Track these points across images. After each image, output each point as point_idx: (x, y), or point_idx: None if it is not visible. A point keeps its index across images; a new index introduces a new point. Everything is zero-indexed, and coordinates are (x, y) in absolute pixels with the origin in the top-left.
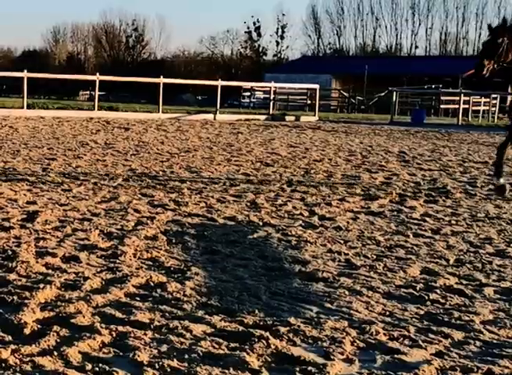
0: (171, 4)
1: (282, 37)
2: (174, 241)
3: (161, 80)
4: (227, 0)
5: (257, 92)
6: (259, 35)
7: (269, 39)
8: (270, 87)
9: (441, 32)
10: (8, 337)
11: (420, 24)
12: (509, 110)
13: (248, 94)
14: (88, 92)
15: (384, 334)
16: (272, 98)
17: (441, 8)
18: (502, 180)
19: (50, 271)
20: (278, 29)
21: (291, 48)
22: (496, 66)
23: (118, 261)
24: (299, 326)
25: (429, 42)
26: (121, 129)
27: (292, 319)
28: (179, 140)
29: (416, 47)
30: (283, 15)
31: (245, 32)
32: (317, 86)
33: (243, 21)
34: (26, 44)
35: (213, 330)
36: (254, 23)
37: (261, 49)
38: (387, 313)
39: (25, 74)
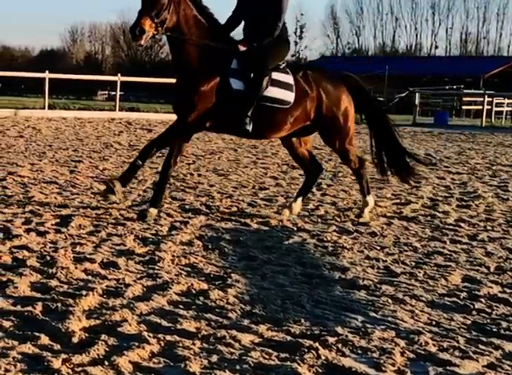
0: None
1: (300, 38)
2: (210, 246)
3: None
4: None
5: None
6: None
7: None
8: None
9: (461, 32)
10: (57, 346)
11: (440, 24)
12: None
13: None
14: (106, 92)
15: (433, 345)
16: None
17: (461, 8)
18: None
19: (90, 277)
20: (296, 29)
21: (309, 49)
22: (158, 30)
23: (156, 267)
24: (346, 336)
25: (449, 42)
26: (143, 130)
27: (339, 329)
28: (202, 141)
29: (436, 47)
30: (302, 15)
31: None
32: None
33: None
34: (44, 43)
35: (261, 339)
36: None
37: None
38: (433, 323)
39: (46, 75)
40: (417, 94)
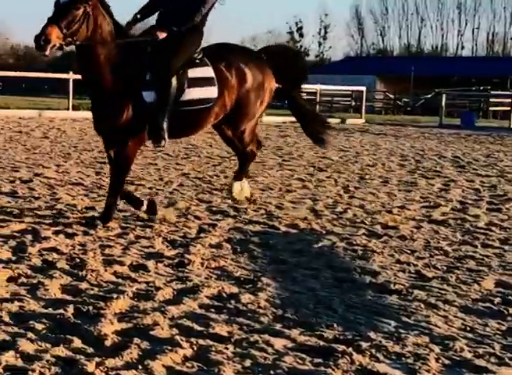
0: None
1: (324, 38)
2: (239, 249)
3: None
4: (269, 0)
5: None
6: (301, 36)
7: (311, 40)
8: (316, 89)
9: (488, 32)
10: (90, 349)
11: (466, 24)
12: None
13: None
14: None
15: (468, 351)
16: (318, 100)
17: (488, 8)
18: None
19: (120, 280)
20: (320, 29)
21: (334, 49)
22: (66, 41)
23: (186, 270)
24: (380, 341)
25: (476, 43)
26: None
27: (372, 334)
28: None
29: (462, 47)
30: (326, 15)
31: (287, 32)
32: (363, 88)
33: (285, 22)
34: None
35: (294, 344)
36: (297, 24)
37: (303, 50)
38: (468, 329)
39: (70, 76)
40: (443, 96)
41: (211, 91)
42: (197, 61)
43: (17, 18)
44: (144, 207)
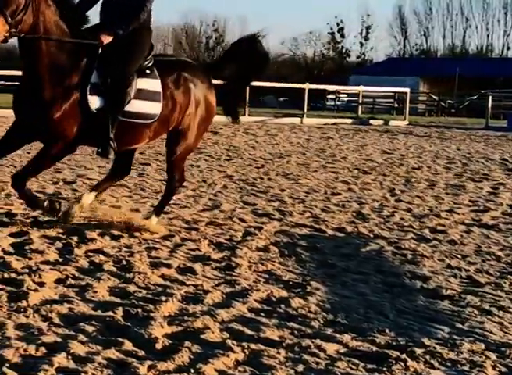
0: (252, 5)
1: (366, 39)
2: (286, 252)
3: None
4: (310, 1)
5: (341, 95)
6: (342, 36)
7: (353, 40)
8: (358, 91)
9: None
10: (141, 352)
11: None
12: None
13: (333, 96)
14: None
15: None
16: (360, 101)
17: None
18: None
19: (168, 283)
20: (362, 30)
21: (376, 50)
22: (11, 33)
23: (234, 273)
24: (434, 347)
25: None
26: (209, 132)
27: (426, 340)
28: (269, 144)
29: (508, 48)
30: (368, 15)
31: (328, 33)
32: (407, 89)
33: (326, 22)
34: None
35: (346, 349)
36: (338, 24)
37: (344, 51)
38: None
39: None
40: (489, 97)
41: (155, 107)
42: (147, 71)
43: None
44: (46, 208)
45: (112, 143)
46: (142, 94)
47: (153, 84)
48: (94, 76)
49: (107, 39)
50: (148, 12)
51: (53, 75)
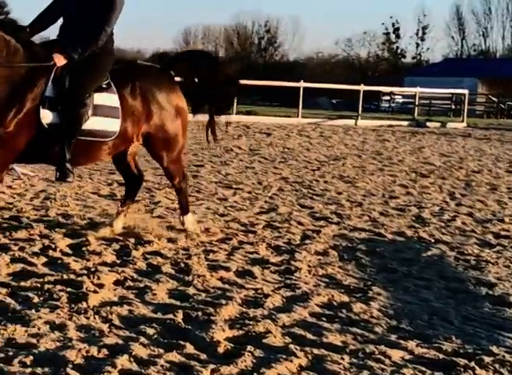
0: (305, 5)
1: (422, 39)
2: (346, 257)
3: (301, 84)
4: (364, 1)
5: (396, 96)
6: (398, 37)
7: (408, 41)
8: (415, 92)
9: None
10: (204, 356)
11: None
12: None
13: (387, 98)
14: None
15: None
16: (417, 103)
17: None
18: None
19: (227, 286)
20: (418, 30)
21: (432, 50)
22: None
23: (293, 277)
24: (503, 356)
25: None
26: (262, 134)
27: (494, 348)
28: (324, 147)
29: None
30: (424, 15)
31: (383, 33)
32: (466, 91)
33: (381, 22)
34: (156, 46)
35: (412, 356)
36: (393, 25)
37: (399, 51)
38: None
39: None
40: None
41: (114, 124)
42: (104, 85)
43: None
44: None
45: (69, 166)
46: (100, 111)
47: (110, 99)
48: (49, 89)
49: (61, 61)
50: (109, 36)
51: (6, 90)
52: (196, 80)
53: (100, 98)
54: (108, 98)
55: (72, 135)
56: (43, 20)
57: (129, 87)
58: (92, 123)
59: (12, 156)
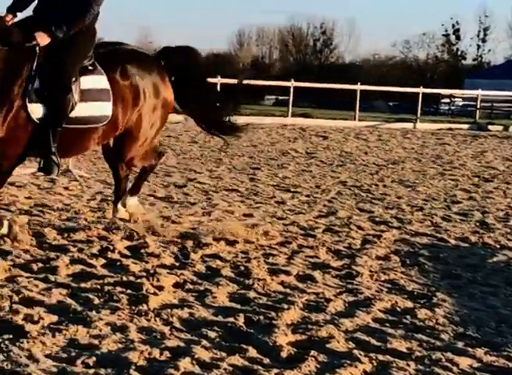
0: (362, 6)
1: (483, 41)
2: (408, 262)
3: (358, 86)
4: (423, 2)
5: (456, 99)
6: (458, 38)
7: (469, 42)
8: (476, 95)
9: None
10: (267, 360)
11: None
12: None
13: (447, 100)
14: (274, 97)
15: None
16: (478, 106)
17: None
18: None
19: (288, 290)
20: (479, 31)
21: (494, 52)
22: None
23: (355, 282)
24: None
25: None
26: (319, 137)
27: None
28: (382, 150)
29: None
30: (486, 16)
31: (443, 35)
32: None
33: (440, 24)
34: (210, 47)
35: (480, 364)
36: (453, 26)
37: (459, 53)
38: None
39: (218, 80)
40: None
41: (105, 108)
42: (90, 67)
43: None
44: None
45: (54, 158)
46: (88, 95)
47: (99, 81)
48: (34, 80)
49: (44, 40)
50: (95, 15)
51: None
52: (172, 77)
53: (88, 82)
54: (98, 81)
55: (57, 124)
56: (20, 2)
57: (119, 70)
58: (81, 110)
59: (14, 162)
